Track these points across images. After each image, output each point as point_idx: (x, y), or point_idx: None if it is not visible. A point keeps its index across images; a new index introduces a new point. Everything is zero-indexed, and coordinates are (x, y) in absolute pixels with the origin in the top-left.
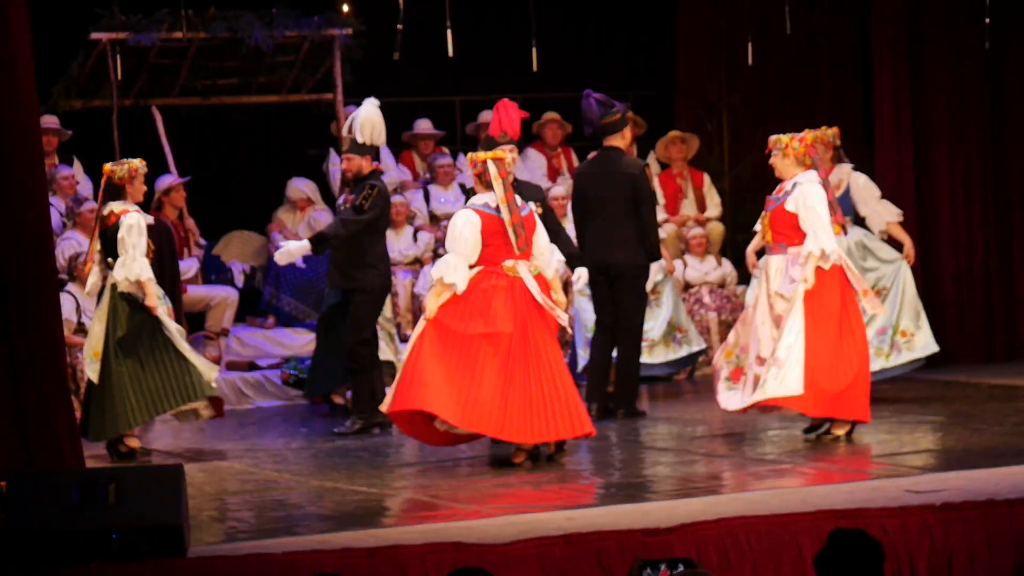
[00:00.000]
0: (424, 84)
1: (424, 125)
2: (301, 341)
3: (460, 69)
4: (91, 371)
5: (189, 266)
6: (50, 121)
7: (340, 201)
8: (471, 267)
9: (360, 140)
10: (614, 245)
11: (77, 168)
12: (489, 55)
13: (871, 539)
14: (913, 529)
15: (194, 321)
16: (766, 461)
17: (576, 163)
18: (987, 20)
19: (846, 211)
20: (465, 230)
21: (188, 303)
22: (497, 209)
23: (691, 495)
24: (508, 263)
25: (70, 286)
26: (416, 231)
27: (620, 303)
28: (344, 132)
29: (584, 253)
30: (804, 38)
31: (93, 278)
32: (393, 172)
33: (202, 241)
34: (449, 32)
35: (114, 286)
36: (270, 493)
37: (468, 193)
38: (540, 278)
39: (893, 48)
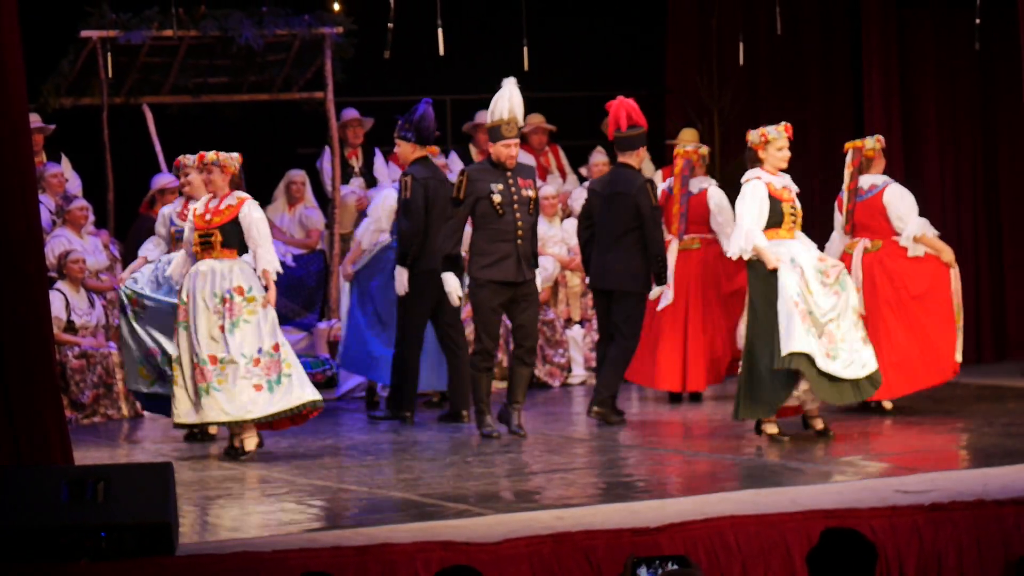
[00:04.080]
0: (415, 83)
1: None
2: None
3: (451, 68)
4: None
5: None
6: (32, 119)
7: (496, 189)
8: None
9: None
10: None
11: (66, 165)
12: (480, 54)
13: (864, 539)
14: (902, 529)
15: None
16: (755, 460)
17: (564, 161)
18: (977, 20)
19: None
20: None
21: None
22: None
23: (680, 495)
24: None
25: (59, 284)
26: None
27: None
28: (495, 117)
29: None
30: (794, 38)
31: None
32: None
33: None
34: (440, 31)
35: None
36: (260, 491)
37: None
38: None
39: (883, 47)
